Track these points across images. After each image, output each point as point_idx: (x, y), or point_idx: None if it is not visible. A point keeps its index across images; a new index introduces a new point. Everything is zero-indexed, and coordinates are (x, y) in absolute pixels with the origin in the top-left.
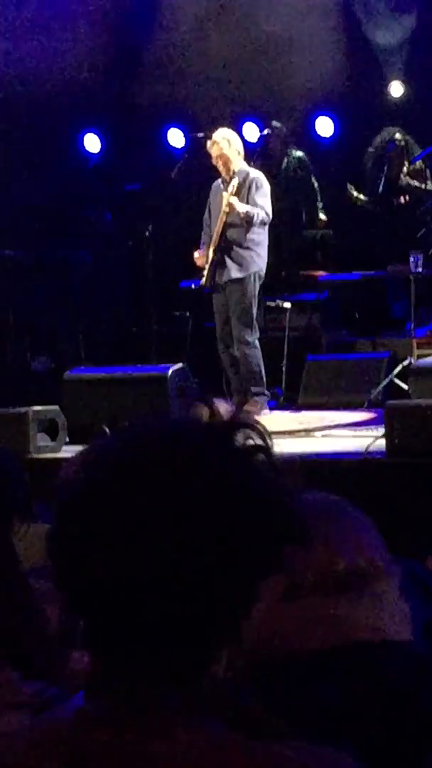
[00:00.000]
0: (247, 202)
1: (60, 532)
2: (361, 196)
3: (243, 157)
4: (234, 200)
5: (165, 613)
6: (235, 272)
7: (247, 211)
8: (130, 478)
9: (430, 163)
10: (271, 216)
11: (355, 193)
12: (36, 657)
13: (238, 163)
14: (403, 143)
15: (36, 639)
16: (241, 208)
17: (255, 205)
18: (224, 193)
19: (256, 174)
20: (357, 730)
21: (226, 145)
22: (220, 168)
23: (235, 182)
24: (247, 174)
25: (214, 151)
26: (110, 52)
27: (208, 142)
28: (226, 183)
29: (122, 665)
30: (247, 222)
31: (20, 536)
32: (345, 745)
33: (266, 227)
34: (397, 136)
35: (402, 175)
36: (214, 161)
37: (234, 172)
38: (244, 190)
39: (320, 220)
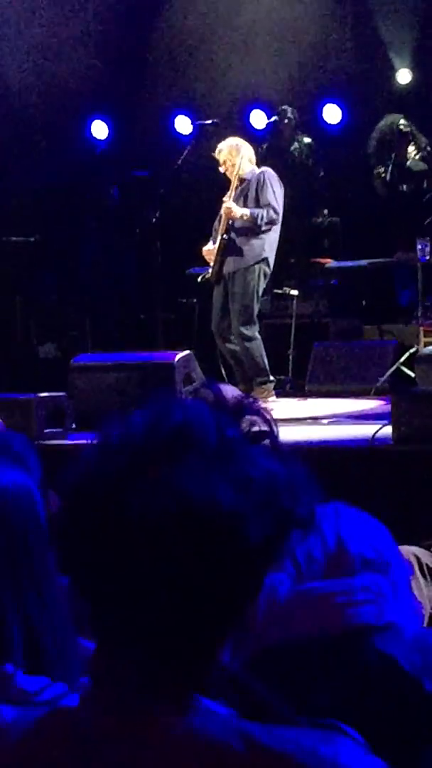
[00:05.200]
0: (257, 201)
1: (66, 515)
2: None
3: (253, 160)
4: (232, 204)
5: (170, 597)
6: (240, 263)
7: (250, 214)
8: (137, 464)
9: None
10: (280, 213)
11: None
12: (49, 648)
13: (246, 167)
14: (408, 129)
15: (48, 628)
16: (239, 211)
17: (262, 204)
18: (224, 199)
19: (265, 170)
20: (364, 713)
21: (231, 151)
22: (228, 174)
23: (232, 189)
24: (254, 174)
25: (220, 158)
26: (118, 39)
27: (216, 150)
28: (232, 192)
29: (127, 650)
30: (252, 224)
31: None
32: (351, 727)
33: (277, 224)
34: (402, 122)
35: (402, 165)
36: (221, 168)
37: (242, 178)
38: (253, 189)
39: (323, 214)
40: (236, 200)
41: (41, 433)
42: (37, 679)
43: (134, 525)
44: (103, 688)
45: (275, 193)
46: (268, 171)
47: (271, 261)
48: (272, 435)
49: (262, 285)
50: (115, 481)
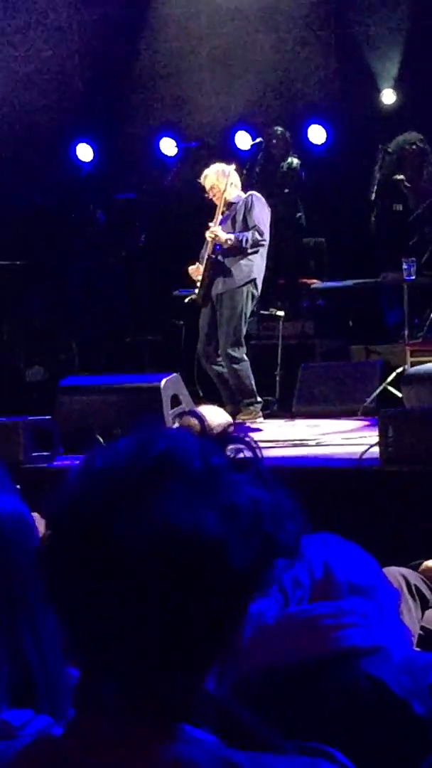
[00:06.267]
0: (245, 224)
1: (49, 542)
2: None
3: (239, 186)
4: (216, 229)
5: (154, 625)
6: (228, 284)
7: (234, 238)
8: (120, 492)
9: None
10: (266, 235)
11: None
12: (39, 680)
13: (232, 192)
14: (423, 147)
15: (39, 660)
16: (224, 236)
17: (249, 226)
18: (210, 224)
19: (252, 194)
20: (352, 736)
21: (218, 177)
22: (215, 200)
23: (218, 214)
24: (240, 198)
25: (206, 184)
26: (102, 62)
27: (202, 176)
28: (218, 216)
29: (110, 678)
30: (237, 248)
31: None
32: (341, 752)
33: (263, 247)
34: (420, 141)
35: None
36: (207, 193)
37: (228, 201)
38: (241, 212)
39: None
40: (223, 225)
41: (28, 456)
42: (20, 713)
43: (117, 552)
44: (87, 716)
45: (262, 215)
46: (255, 194)
47: (259, 283)
48: (257, 462)
49: (250, 307)
50: (99, 509)
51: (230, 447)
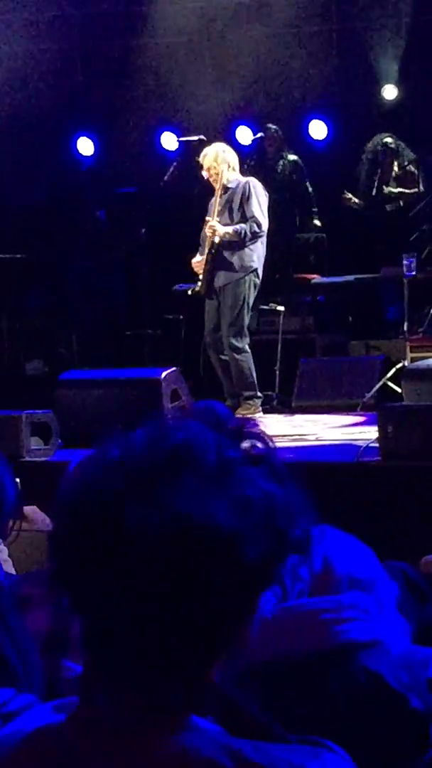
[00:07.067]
0: (241, 212)
1: (64, 532)
2: (355, 200)
3: (237, 169)
4: (215, 224)
5: (166, 616)
6: (230, 276)
7: (233, 231)
8: (136, 483)
9: (419, 166)
10: (264, 225)
11: (350, 196)
12: (12, 662)
13: (230, 175)
14: (393, 147)
15: (10, 644)
16: (222, 230)
17: (247, 216)
18: (207, 218)
19: (250, 180)
20: (350, 729)
21: (216, 157)
22: (211, 181)
23: (217, 197)
24: (239, 183)
25: (204, 164)
26: (103, 56)
27: (200, 155)
28: (217, 199)
29: (119, 668)
30: (236, 241)
31: (10, 541)
32: (339, 746)
33: (262, 237)
34: (388, 140)
35: (385, 183)
36: (204, 174)
37: (225, 185)
38: (237, 199)
39: (314, 225)
40: (221, 212)
41: (28, 449)
42: (2, 691)
43: (132, 543)
44: (92, 706)
45: (260, 204)
46: (253, 181)
47: (260, 272)
48: (271, 457)
49: (253, 296)
50: (114, 499)
51: (245, 441)
